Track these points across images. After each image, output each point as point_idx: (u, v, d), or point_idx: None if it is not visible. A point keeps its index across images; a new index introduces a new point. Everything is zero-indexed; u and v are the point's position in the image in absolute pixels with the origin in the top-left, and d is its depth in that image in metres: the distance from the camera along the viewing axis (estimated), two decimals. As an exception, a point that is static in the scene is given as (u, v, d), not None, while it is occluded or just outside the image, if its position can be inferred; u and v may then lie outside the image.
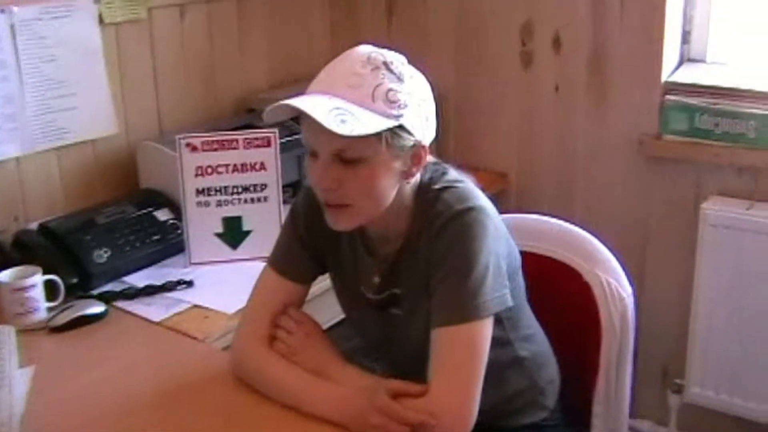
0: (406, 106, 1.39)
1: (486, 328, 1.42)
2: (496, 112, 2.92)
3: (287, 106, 1.35)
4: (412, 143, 1.43)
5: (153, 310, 1.97)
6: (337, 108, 1.34)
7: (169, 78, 2.59)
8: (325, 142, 1.38)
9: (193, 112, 2.66)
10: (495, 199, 2.13)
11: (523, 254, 1.69)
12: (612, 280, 1.77)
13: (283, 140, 2.21)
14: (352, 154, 1.38)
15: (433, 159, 1.55)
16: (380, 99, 1.37)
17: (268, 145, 2.20)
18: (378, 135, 1.37)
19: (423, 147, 1.45)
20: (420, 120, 1.43)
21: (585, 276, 1.77)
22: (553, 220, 1.88)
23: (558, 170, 2.85)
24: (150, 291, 2.05)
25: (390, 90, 1.38)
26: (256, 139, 2.20)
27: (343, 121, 1.32)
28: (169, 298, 2.03)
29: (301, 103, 1.35)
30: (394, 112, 1.38)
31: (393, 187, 1.45)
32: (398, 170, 1.43)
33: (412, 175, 1.46)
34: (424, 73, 1.50)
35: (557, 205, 2.86)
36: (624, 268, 1.84)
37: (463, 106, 2.97)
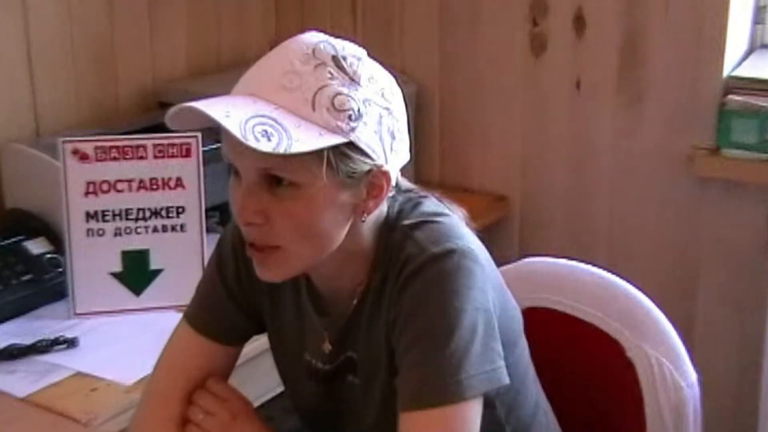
0: (360, 117, 1.38)
1: (472, 413, 1.39)
2: (494, 116, 2.91)
3: (194, 110, 1.32)
4: (367, 168, 1.41)
5: (18, 380, 1.93)
6: (261, 116, 1.32)
7: (50, 61, 2.54)
8: (247, 160, 1.36)
9: (84, 108, 2.63)
10: (490, 233, 2.06)
11: (544, 311, 1.67)
12: (666, 361, 1.70)
13: (208, 148, 2.18)
14: (282, 175, 1.37)
15: (406, 184, 1.55)
16: (323, 106, 1.35)
17: (188, 154, 2.18)
18: (318, 154, 1.34)
19: (384, 173, 1.43)
20: (381, 136, 1.41)
21: (628, 351, 1.72)
22: (592, 270, 1.83)
23: (576, 194, 2.85)
24: (14, 353, 2.00)
25: (338, 95, 1.36)
26: (172, 145, 2.17)
27: (266, 135, 1.30)
28: (43, 362, 1.99)
29: (212, 107, 1.32)
30: (343, 125, 1.36)
31: (341, 226, 1.44)
32: (348, 203, 1.42)
33: (369, 210, 1.45)
34: (397, 67, 1.47)
35: (574, 239, 2.86)
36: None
37: (450, 108, 2.97)
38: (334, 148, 1.35)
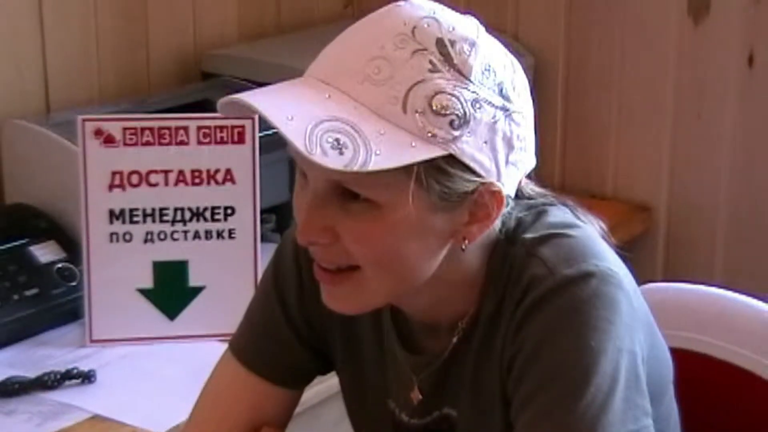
0: (466, 123, 1.37)
1: None
2: (636, 101, 2.94)
3: (246, 106, 1.33)
4: (472, 187, 1.39)
5: (17, 423, 1.95)
6: (335, 120, 1.32)
7: (64, 18, 2.58)
8: (316, 169, 1.35)
9: (108, 76, 2.67)
10: (630, 253, 2.04)
11: (687, 356, 1.68)
12: None
13: (264, 134, 2.19)
14: (358, 191, 1.37)
15: (532, 190, 1.56)
16: (417, 109, 1.34)
17: (241, 140, 2.21)
18: (406, 169, 1.34)
19: (494, 192, 1.41)
20: (495, 146, 1.41)
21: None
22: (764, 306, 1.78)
23: (744, 206, 2.87)
24: (14, 389, 2.03)
25: (438, 93, 1.35)
26: (221, 128, 2.21)
27: (338, 146, 1.30)
28: (50, 401, 2.01)
29: (271, 104, 1.33)
30: (442, 132, 1.35)
31: (433, 255, 1.44)
32: (443, 229, 1.42)
33: (472, 236, 1.44)
34: (509, 33, 1.44)
35: (741, 264, 2.87)
36: None
37: (577, 89, 3.02)
38: (428, 162, 1.35)
